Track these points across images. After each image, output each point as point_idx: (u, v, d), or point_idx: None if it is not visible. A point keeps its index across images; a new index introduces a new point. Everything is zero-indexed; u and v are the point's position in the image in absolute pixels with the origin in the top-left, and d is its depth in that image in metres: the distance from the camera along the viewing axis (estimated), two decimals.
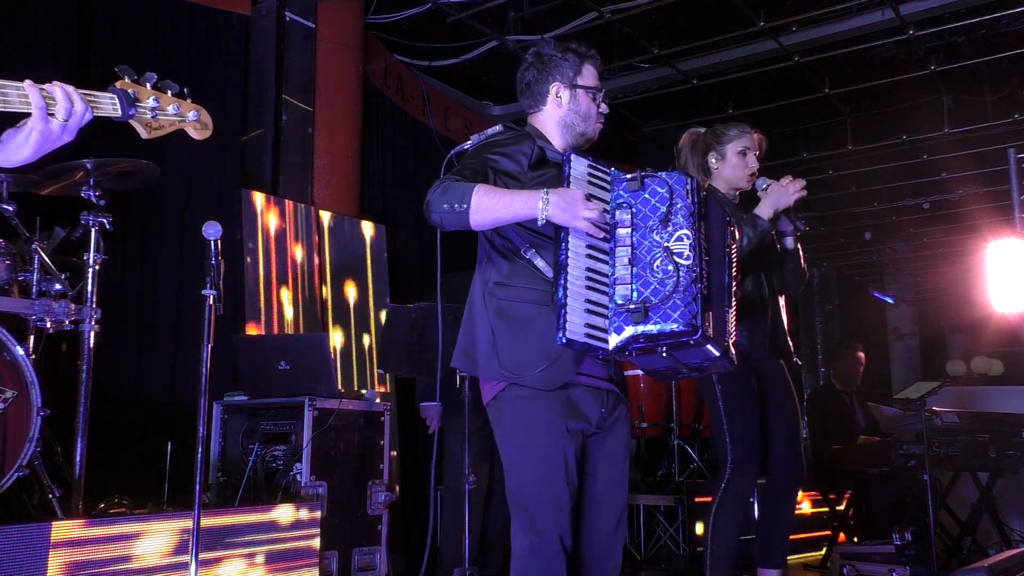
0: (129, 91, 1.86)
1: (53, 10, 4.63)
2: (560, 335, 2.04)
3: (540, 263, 2.22)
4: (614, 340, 2.07)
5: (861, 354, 6.30)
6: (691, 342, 2.06)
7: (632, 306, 2.06)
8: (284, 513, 3.53)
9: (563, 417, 2.19)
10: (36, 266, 3.47)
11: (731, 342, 2.23)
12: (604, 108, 2.49)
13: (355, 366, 5.51)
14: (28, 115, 1.76)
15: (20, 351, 3.18)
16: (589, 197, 2.12)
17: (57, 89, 1.74)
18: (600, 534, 2.30)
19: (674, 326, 2.02)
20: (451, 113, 7.15)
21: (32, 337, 3.44)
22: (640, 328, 2.04)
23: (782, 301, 3.48)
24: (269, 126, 5.53)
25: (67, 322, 3.48)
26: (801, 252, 3.45)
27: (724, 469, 3.19)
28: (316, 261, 5.44)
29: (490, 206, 2.11)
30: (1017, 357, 9.46)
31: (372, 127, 6.26)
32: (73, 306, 3.48)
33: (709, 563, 3.18)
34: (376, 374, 5.57)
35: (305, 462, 3.79)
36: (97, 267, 3.62)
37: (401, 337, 4.03)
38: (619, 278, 2.10)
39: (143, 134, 1.90)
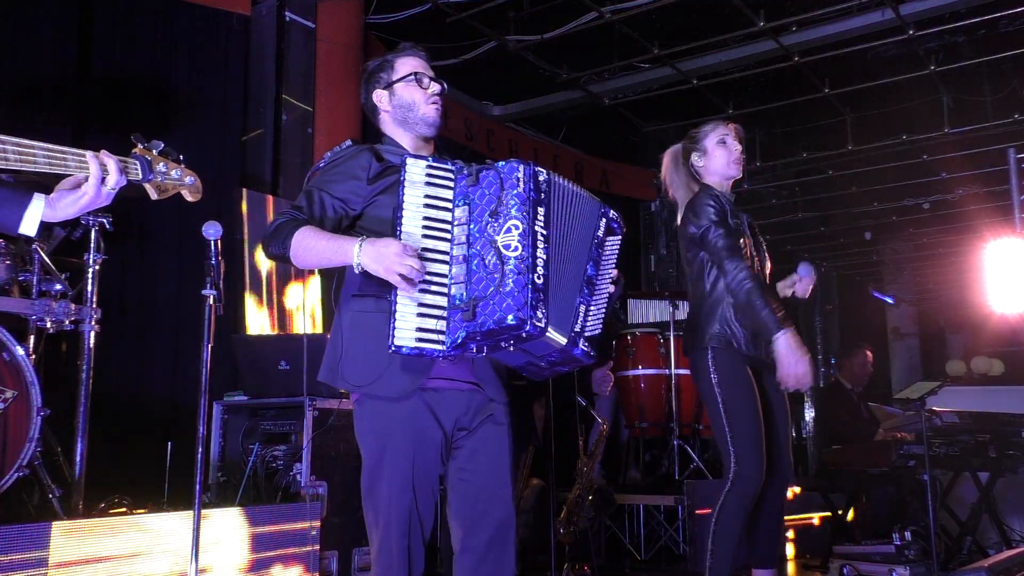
0: (147, 158, 2.04)
1: (53, 10, 4.63)
2: (389, 342, 2.02)
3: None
4: (449, 341, 2.04)
5: (869, 353, 6.30)
6: (523, 334, 2.02)
7: (463, 305, 2.04)
8: (284, 513, 3.53)
9: (412, 422, 2.17)
10: (36, 266, 3.47)
11: (583, 331, 2.18)
12: (435, 87, 2.40)
13: None
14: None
15: (20, 351, 3.19)
16: (418, 247, 2.06)
17: (111, 162, 1.92)
18: (481, 535, 2.25)
19: (503, 319, 1.99)
20: (451, 113, 7.14)
21: (32, 337, 3.44)
22: (471, 326, 2.02)
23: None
24: (269, 126, 5.53)
25: (67, 322, 3.49)
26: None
27: (727, 473, 3.18)
28: None
29: (308, 251, 2.14)
30: (1017, 357, 9.46)
31: (372, 127, 6.23)
32: (73, 306, 3.49)
33: (709, 565, 3.18)
34: None
35: (305, 462, 3.79)
36: (97, 267, 3.63)
37: None
38: (454, 276, 2.09)
39: (153, 195, 2.10)
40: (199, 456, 2.86)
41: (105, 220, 3.63)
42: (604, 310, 2.28)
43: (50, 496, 3.25)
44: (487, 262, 2.05)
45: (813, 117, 8.09)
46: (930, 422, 4.56)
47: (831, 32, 6.55)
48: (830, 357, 12.21)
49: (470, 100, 7.54)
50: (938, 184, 9.28)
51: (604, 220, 2.30)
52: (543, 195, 2.13)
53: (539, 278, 2.05)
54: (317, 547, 3.61)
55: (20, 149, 1.82)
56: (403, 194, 2.12)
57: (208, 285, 2.89)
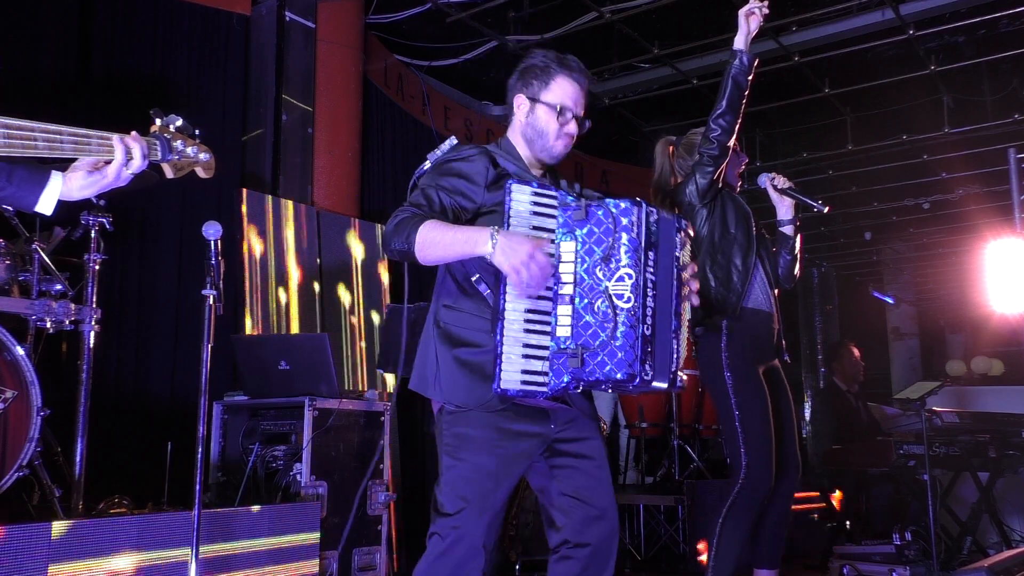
0: (166, 136, 2.00)
1: (53, 10, 4.63)
2: (495, 385, 2.02)
3: (487, 292, 2.17)
4: (552, 384, 2.04)
5: (854, 349, 6.27)
6: (630, 387, 2.05)
7: (570, 350, 2.02)
8: (284, 513, 3.53)
9: (501, 432, 2.18)
10: (36, 266, 3.47)
11: (679, 366, 2.19)
12: (571, 128, 2.32)
13: (356, 366, 5.51)
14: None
15: (20, 351, 3.19)
16: (538, 242, 2.03)
17: (136, 146, 1.90)
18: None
19: (612, 373, 1.99)
20: (451, 113, 7.15)
21: (32, 337, 3.44)
22: (577, 372, 2.01)
23: (777, 302, 3.49)
24: (269, 126, 5.53)
25: (67, 322, 3.49)
26: (799, 245, 3.49)
27: (738, 473, 3.17)
28: (316, 261, 5.44)
29: (434, 243, 2.07)
30: (1017, 357, 9.45)
31: (372, 127, 6.26)
32: (73, 306, 3.49)
33: (712, 564, 3.18)
34: (376, 374, 5.57)
35: (305, 462, 3.78)
36: (97, 267, 3.63)
37: (400, 337, 4.03)
38: (559, 317, 2.05)
39: (169, 174, 2.06)
40: (199, 456, 2.86)
41: (105, 220, 3.63)
42: (686, 328, 2.26)
43: (50, 496, 3.25)
44: (596, 308, 2.02)
45: (813, 117, 8.09)
46: (930, 422, 4.56)
47: (831, 32, 6.55)
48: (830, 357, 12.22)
49: (470, 100, 7.54)
50: (938, 184, 9.28)
51: (680, 233, 2.24)
52: (653, 237, 2.09)
53: (647, 329, 2.05)
54: (317, 547, 3.61)
55: (49, 136, 1.80)
56: (508, 226, 2.07)
57: (208, 285, 2.89)
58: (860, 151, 8.32)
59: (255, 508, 3.45)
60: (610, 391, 2.11)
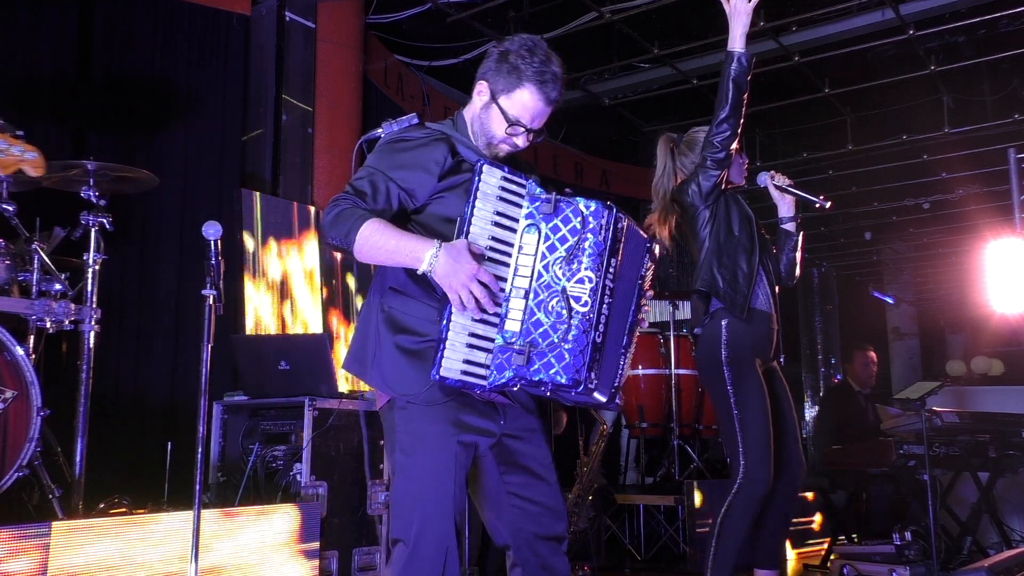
0: None
1: (53, 10, 4.63)
2: (434, 372, 1.93)
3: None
4: (493, 379, 1.95)
5: (871, 353, 6.29)
6: (572, 394, 1.98)
7: (517, 346, 1.93)
8: (284, 513, 3.53)
9: (453, 427, 2.08)
10: (36, 266, 3.47)
11: (620, 384, 2.14)
12: (519, 142, 2.18)
13: None
14: None
15: (20, 351, 3.19)
16: (482, 257, 1.94)
17: None
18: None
19: (557, 377, 1.92)
20: (451, 113, 7.13)
21: (32, 337, 3.44)
22: (521, 371, 1.93)
23: (778, 303, 3.50)
24: (269, 126, 5.53)
25: (67, 322, 3.48)
26: (800, 243, 3.50)
27: (736, 473, 3.17)
28: (316, 261, 5.44)
29: (374, 248, 1.97)
30: (1017, 357, 9.45)
31: (372, 127, 6.23)
32: (73, 306, 3.48)
33: (711, 564, 3.18)
34: None
35: (305, 462, 3.78)
36: (97, 267, 3.62)
37: None
38: (510, 311, 1.96)
39: None
40: (199, 456, 2.85)
41: (105, 220, 3.63)
42: (632, 348, 2.20)
43: (50, 496, 3.24)
44: (551, 307, 1.94)
45: (813, 117, 8.10)
46: (930, 422, 4.56)
47: (831, 32, 6.56)
48: (830, 357, 12.22)
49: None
50: (938, 184, 9.29)
51: (647, 256, 2.20)
52: (617, 244, 2.02)
53: (599, 336, 1.98)
54: (317, 547, 3.61)
55: None
56: (473, 204, 1.97)
57: (208, 285, 2.88)
58: (860, 151, 8.33)
59: (255, 508, 3.45)
60: (548, 395, 2.03)
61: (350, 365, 2.20)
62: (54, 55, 4.61)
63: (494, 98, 2.16)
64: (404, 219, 2.12)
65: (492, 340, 1.97)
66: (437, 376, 1.93)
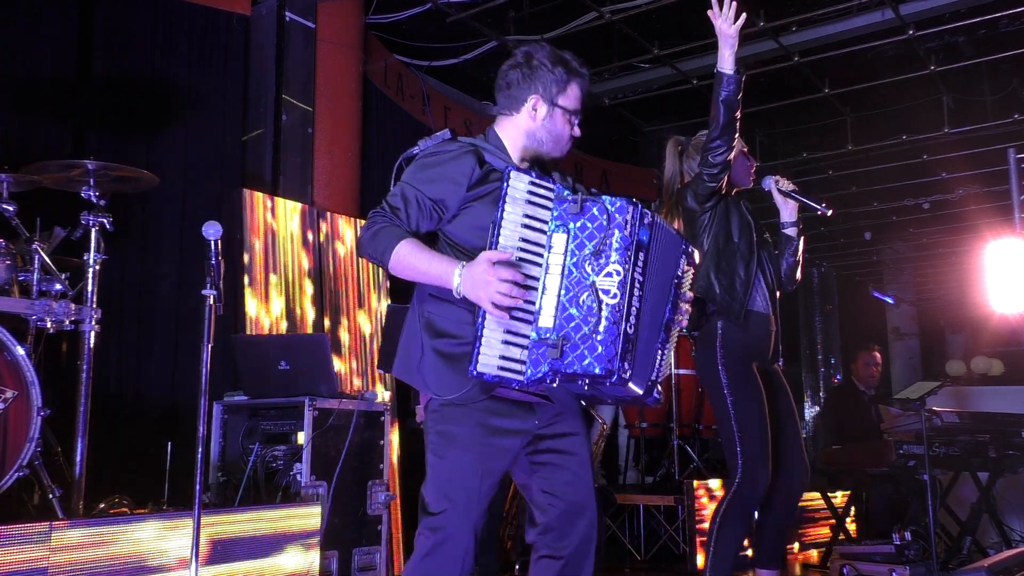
0: None
1: (53, 10, 4.64)
2: (472, 367, 2.00)
3: None
4: (529, 374, 2.02)
5: (876, 354, 6.29)
6: (607, 384, 2.03)
7: (550, 340, 2.01)
8: (284, 513, 3.53)
9: (482, 429, 2.16)
10: (36, 266, 3.47)
11: (658, 378, 2.19)
12: (576, 132, 2.38)
13: (357, 366, 5.51)
14: None
15: (20, 351, 3.19)
16: (507, 261, 2.02)
17: None
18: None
19: (590, 367, 1.98)
20: (451, 113, 7.15)
21: (32, 337, 3.44)
22: (556, 364, 2.00)
23: (777, 305, 3.51)
24: (269, 126, 5.53)
25: (67, 322, 3.49)
26: (802, 247, 3.51)
27: (734, 473, 3.18)
28: (316, 261, 5.44)
29: (408, 268, 2.12)
30: (1017, 357, 9.45)
31: (372, 127, 6.26)
32: (73, 306, 3.49)
33: (710, 564, 3.18)
34: (377, 374, 5.57)
35: (305, 462, 3.79)
36: (97, 267, 3.63)
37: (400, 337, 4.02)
38: (542, 308, 2.04)
39: None
40: (199, 456, 2.86)
41: (105, 220, 3.63)
42: (672, 348, 2.27)
43: (50, 496, 3.25)
44: (581, 301, 2.02)
45: (813, 117, 8.09)
46: (930, 422, 4.56)
47: (831, 32, 6.56)
48: (830, 357, 12.23)
49: (470, 100, 7.54)
50: (938, 184, 9.29)
51: (684, 258, 2.27)
52: (645, 239, 2.09)
53: (630, 328, 2.04)
54: (317, 547, 3.61)
55: None
56: (503, 210, 2.06)
57: (208, 285, 2.89)
58: (860, 151, 8.33)
59: (255, 508, 3.45)
60: (587, 390, 2.09)
61: (399, 371, 2.30)
62: (54, 55, 4.61)
63: (554, 104, 2.32)
64: (434, 236, 2.25)
65: (527, 336, 2.05)
66: (475, 372, 2.00)
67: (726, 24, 3.10)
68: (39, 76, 4.52)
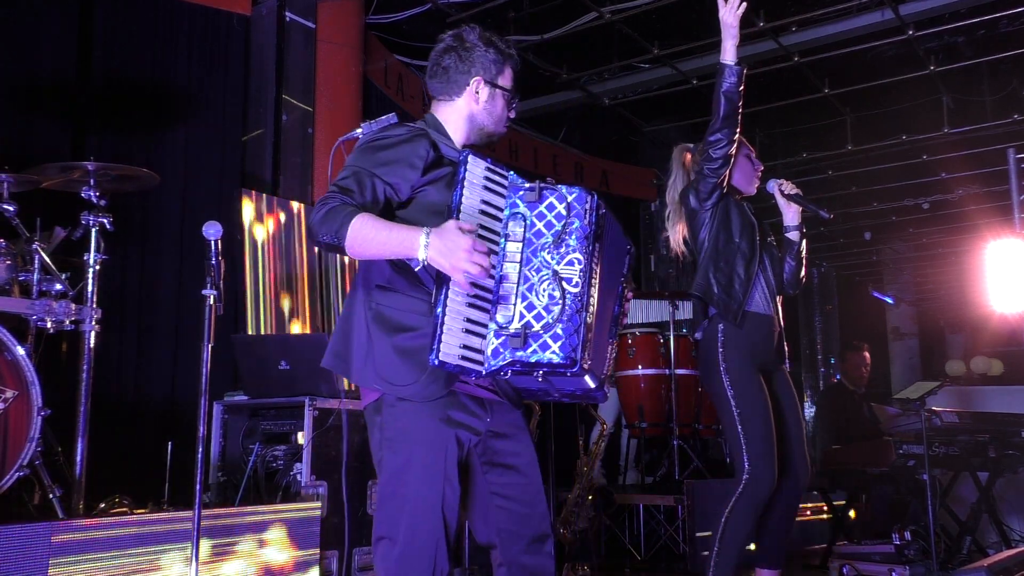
0: None
1: (53, 10, 4.64)
2: (433, 357, 1.93)
3: (420, 269, 2.06)
4: (489, 363, 1.98)
5: (866, 354, 6.29)
6: (568, 374, 1.98)
7: (512, 329, 1.97)
8: (284, 513, 3.53)
9: (442, 423, 2.10)
10: (36, 266, 3.47)
11: (607, 374, 2.18)
12: (513, 113, 2.36)
13: None
14: None
15: (20, 351, 3.19)
16: (476, 232, 1.96)
17: None
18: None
19: (553, 356, 1.94)
20: None
21: (32, 337, 3.45)
22: (517, 354, 1.95)
23: (780, 306, 3.51)
24: (269, 126, 5.53)
25: (67, 322, 3.49)
26: (804, 251, 3.51)
27: (740, 475, 3.17)
28: (316, 261, 5.45)
29: (366, 240, 1.98)
30: (1017, 357, 9.46)
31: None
32: (73, 306, 3.49)
33: (713, 563, 3.18)
34: None
35: (305, 462, 3.78)
36: (97, 267, 3.63)
37: None
38: (503, 297, 1.99)
39: None
40: (199, 456, 2.86)
41: (105, 220, 3.63)
42: (616, 342, 2.27)
43: (50, 496, 3.25)
44: (543, 290, 1.98)
45: (813, 117, 8.10)
46: (930, 422, 4.56)
47: (831, 32, 6.57)
48: (830, 357, 12.23)
49: None
50: (938, 184, 9.29)
51: (628, 257, 2.28)
52: (600, 230, 2.07)
53: (590, 317, 2.01)
54: (317, 547, 3.61)
55: None
56: (461, 194, 2.01)
57: (208, 285, 2.88)
58: (860, 151, 8.33)
59: (255, 508, 3.45)
60: (540, 381, 2.04)
61: (331, 362, 2.21)
62: (54, 55, 4.61)
63: (494, 85, 2.30)
64: (390, 215, 2.13)
65: (486, 326, 2.00)
66: (436, 361, 1.94)
67: (731, 15, 3.09)
68: (39, 76, 4.52)
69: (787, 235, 3.52)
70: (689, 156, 3.56)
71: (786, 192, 3.47)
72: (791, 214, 3.51)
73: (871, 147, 8.32)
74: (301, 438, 3.86)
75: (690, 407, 6.07)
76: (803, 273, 3.53)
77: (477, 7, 6.11)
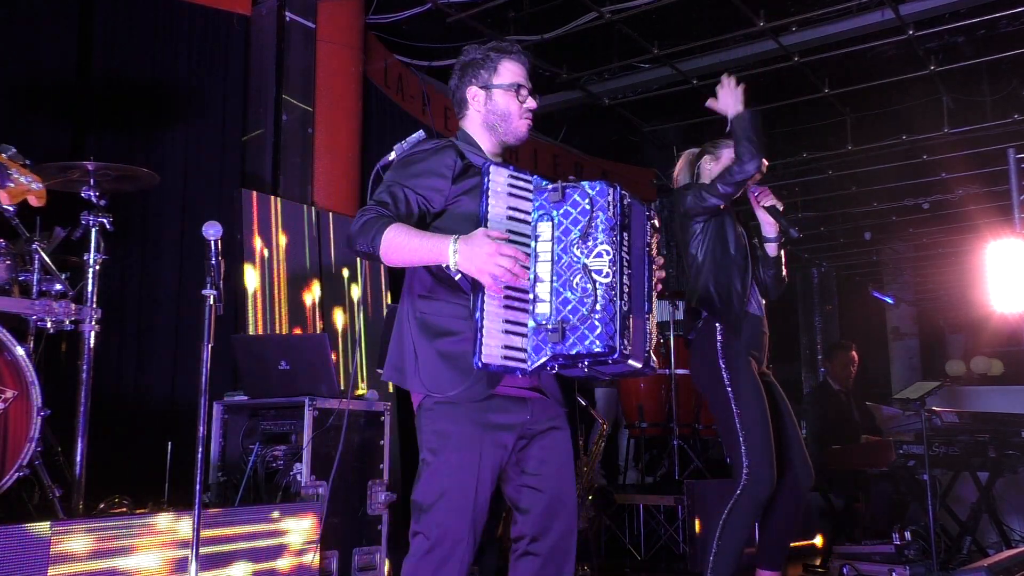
0: (2, 163, 2.00)
1: (53, 10, 4.64)
2: (476, 359, 2.02)
3: (460, 278, 2.13)
4: (532, 360, 2.06)
5: (853, 353, 6.28)
6: (609, 361, 2.05)
7: (550, 326, 2.04)
8: (284, 513, 3.53)
9: (479, 427, 2.19)
10: (36, 266, 3.47)
11: (651, 348, 2.22)
12: (531, 103, 2.39)
13: (357, 366, 5.51)
14: None
15: (20, 351, 3.19)
16: (506, 238, 2.05)
17: None
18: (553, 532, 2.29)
19: (593, 347, 2.01)
20: (451, 113, 7.13)
21: (32, 337, 3.45)
22: (558, 348, 2.03)
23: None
24: (269, 126, 5.53)
25: (67, 322, 3.49)
26: (784, 259, 3.53)
27: (739, 475, 3.17)
28: (316, 261, 5.44)
29: (399, 248, 2.10)
30: (1017, 357, 9.46)
31: (372, 127, 6.26)
32: (73, 306, 3.49)
33: (712, 563, 3.17)
34: (377, 374, 5.57)
35: (305, 462, 3.78)
36: (97, 267, 3.63)
37: None
38: (538, 295, 2.08)
39: (5, 201, 2.05)
40: (199, 456, 2.86)
41: (105, 220, 3.63)
42: (654, 312, 2.31)
43: (50, 496, 3.25)
44: (575, 284, 2.05)
45: (813, 117, 8.09)
46: (930, 422, 4.56)
47: (831, 32, 6.56)
48: None
49: None
50: (938, 184, 9.29)
51: (649, 224, 2.29)
52: (626, 219, 2.14)
53: (624, 305, 2.08)
54: (317, 547, 3.61)
55: None
56: (486, 204, 2.11)
57: (208, 285, 2.89)
58: (860, 151, 8.33)
59: (255, 508, 3.45)
60: (586, 369, 2.11)
61: (390, 375, 2.31)
62: (54, 55, 4.61)
63: (487, 88, 2.37)
64: (425, 226, 2.24)
65: (525, 324, 2.08)
66: (480, 364, 2.02)
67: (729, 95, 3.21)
68: (39, 76, 4.53)
69: (766, 246, 3.51)
70: (701, 152, 3.54)
71: (762, 204, 3.46)
72: (768, 225, 3.50)
73: (871, 147, 8.31)
74: (301, 438, 3.86)
75: (690, 407, 6.08)
76: (784, 275, 3.56)
77: (477, 7, 6.11)
